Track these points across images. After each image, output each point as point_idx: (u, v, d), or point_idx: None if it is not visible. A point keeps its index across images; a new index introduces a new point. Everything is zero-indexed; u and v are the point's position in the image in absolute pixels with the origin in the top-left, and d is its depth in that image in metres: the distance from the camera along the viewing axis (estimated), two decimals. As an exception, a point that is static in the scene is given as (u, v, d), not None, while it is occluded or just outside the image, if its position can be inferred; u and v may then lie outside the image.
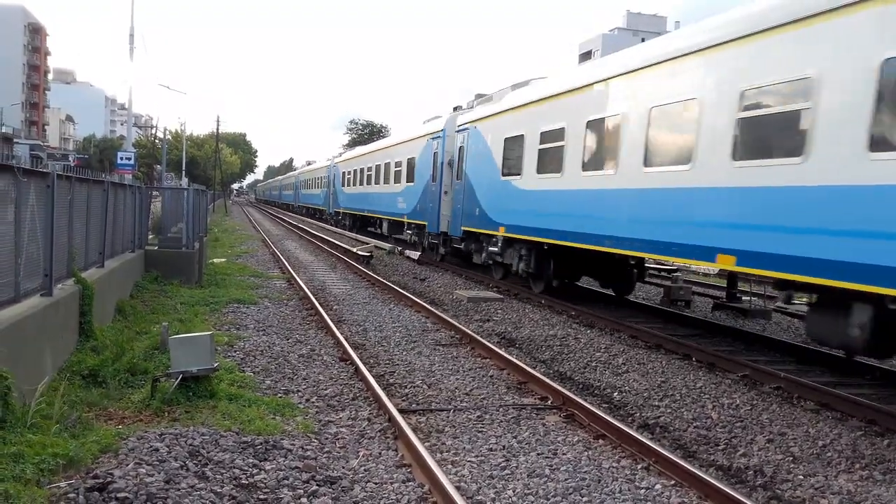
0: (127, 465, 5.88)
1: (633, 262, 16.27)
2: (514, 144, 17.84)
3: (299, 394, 8.85)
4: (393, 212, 31.01)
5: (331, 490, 5.97)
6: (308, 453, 6.72)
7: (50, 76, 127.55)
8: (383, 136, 73.93)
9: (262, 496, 5.75)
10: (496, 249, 18.87)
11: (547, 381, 9.35)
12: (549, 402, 8.82)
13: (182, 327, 11.36)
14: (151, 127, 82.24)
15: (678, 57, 11.73)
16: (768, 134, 9.95)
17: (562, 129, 15.31)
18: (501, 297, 17.48)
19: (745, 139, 10.13)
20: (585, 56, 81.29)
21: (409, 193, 28.06)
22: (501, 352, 11.08)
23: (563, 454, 7.12)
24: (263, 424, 7.35)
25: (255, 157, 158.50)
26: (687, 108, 11.43)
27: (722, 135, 10.50)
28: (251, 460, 6.39)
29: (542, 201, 16.23)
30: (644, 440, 7.20)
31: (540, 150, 16.35)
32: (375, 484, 6.18)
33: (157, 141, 73.83)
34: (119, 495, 5.29)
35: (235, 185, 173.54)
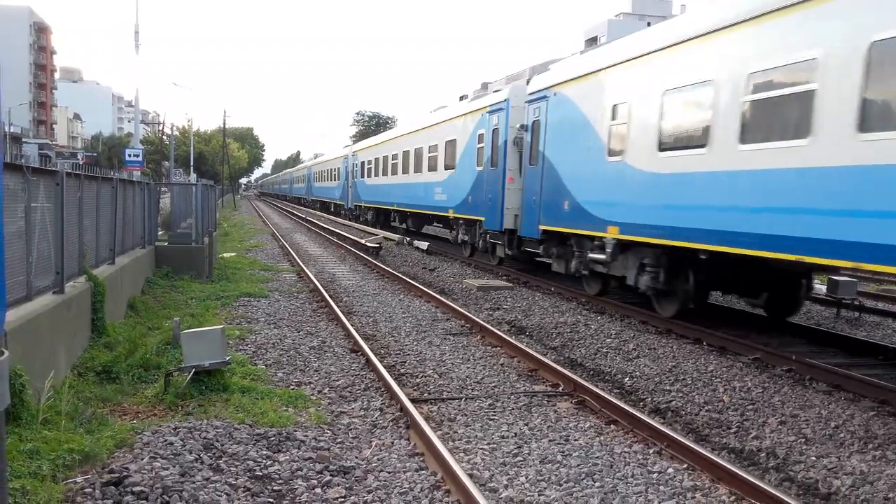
0: (142, 458, 5.93)
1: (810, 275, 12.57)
2: (616, 112, 13.52)
3: (311, 385, 8.89)
4: (432, 205, 26.42)
5: (344, 480, 6.01)
6: (321, 444, 6.77)
7: (57, 75, 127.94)
8: (390, 128, 73.43)
9: (276, 487, 5.79)
10: (602, 257, 14.05)
11: (558, 367, 9.36)
12: (561, 388, 8.83)
13: (193, 322, 11.42)
14: (159, 123, 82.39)
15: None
16: None
17: (695, 85, 11.21)
18: (511, 285, 17.49)
19: None
20: (591, 42, 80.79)
21: (456, 182, 23.51)
22: (512, 340, 11.10)
23: (575, 440, 7.14)
24: (276, 416, 7.40)
25: (263, 151, 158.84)
26: None
27: None
28: (265, 452, 6.44)
29: (688, 190, 11.57)
30: (656, 424, 7.20)
31: (665, 115, 12.05)
32: (388, 473, 6.21)
33: (164, 137, 73.99)
34: (135, 489, 5.33)
35: (244, 180, 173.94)
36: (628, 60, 13.30)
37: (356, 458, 6.55)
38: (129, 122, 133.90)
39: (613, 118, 13.61)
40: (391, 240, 29.70)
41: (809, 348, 10.75)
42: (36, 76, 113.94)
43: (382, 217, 38.15)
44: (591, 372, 9.93)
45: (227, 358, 8.33)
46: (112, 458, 5.99)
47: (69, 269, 9.20)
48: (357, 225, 39.67)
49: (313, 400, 8.29)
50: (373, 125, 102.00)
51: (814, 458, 6.70)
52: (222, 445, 6.46)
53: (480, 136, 21.33)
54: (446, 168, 24.82)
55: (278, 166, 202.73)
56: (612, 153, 13.70)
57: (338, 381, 9.11)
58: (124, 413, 7.46)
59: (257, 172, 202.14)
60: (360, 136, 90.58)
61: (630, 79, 13.21)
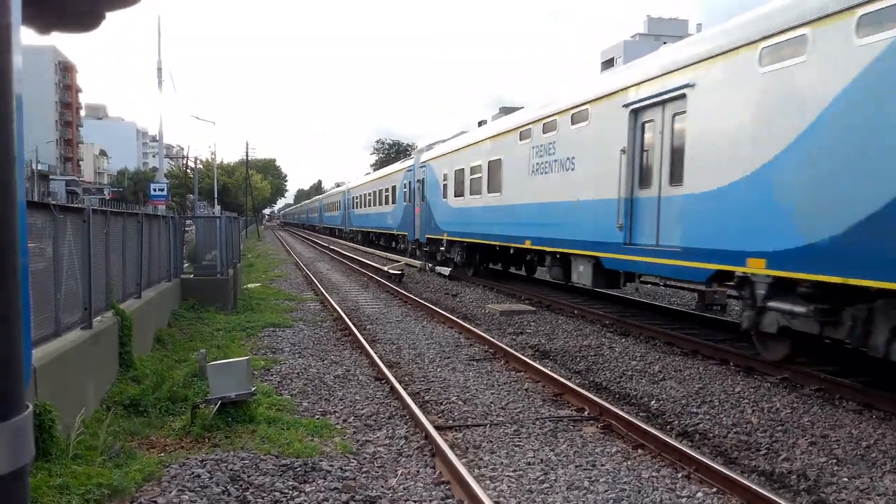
0: (170, 492, 5.98)
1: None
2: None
3: (336, 414, 8.91)
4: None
5: (370, 510, 6.00)
6: (347, 474, 6.77)
7: (82, 112, 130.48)
8: (409, 155, 74.80)
9: (303, 518, 5.80)
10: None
11: (583, 392, 9.30)
12: (586, 413, 8.77)
13: (219, 353, 11.51)
14: (182, 157, 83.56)
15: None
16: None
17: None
18: (534, 309, 17.45)
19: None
20: (608, 64, 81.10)
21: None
22: (536, 364, 11.05)
23: (602, 465, 7.08)
24: (302, 446, 7.42)
25: (285, 181, 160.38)
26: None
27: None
28: (291, 483, 6.46)
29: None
30: (684, 448, 7.12)
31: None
32: (415, 502, 6.19)
33: (188, 171, 74.94)
34: (163, 522, 5.38)
35: (267, 211, 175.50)
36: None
37: (382, 487, 6.55)
38: (153, 156, 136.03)
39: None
40: (413, 266, 29.83)
41: (838, 367, 10.59)
42: (62, 114, 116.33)
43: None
44: (617, 395, 9.86)
45: (253, 389, 8.39)
46: (140, 491, 6.04)
47: (97, 304, 9.34)
48: (379, 252, 40.12)
49: (338, 429, 8.30)
50: (393, 153, 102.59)
51: (846, 480, 6.60)
52: (249, 477, 6.49)
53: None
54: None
55: (300, 196, 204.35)
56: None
57: (362, 409, 9.12)
58: (152, 446, 7.52)
59: (280, 202, 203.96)
60: (380, 163, 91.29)
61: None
